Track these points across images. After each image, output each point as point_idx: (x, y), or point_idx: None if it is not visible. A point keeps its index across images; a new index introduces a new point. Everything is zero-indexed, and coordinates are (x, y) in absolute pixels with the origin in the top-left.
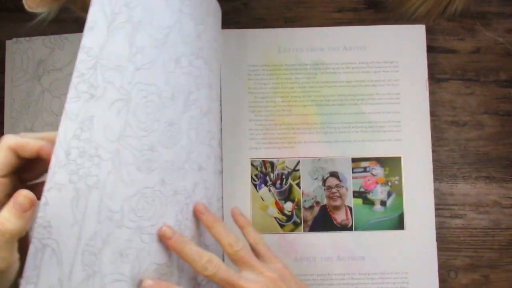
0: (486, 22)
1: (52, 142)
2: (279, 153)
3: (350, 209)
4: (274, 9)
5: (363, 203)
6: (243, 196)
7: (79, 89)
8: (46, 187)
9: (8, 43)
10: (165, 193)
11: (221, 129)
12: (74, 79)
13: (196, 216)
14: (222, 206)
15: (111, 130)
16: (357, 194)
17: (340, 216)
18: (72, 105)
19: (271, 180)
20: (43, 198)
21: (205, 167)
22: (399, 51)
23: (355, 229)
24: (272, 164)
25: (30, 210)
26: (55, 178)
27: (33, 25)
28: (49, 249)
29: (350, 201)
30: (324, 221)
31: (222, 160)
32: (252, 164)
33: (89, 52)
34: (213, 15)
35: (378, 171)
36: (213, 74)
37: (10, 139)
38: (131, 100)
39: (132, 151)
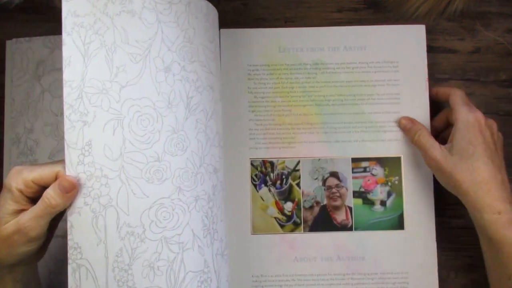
0: (486, 22)
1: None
2: (279, 153)
3: (350, 209)
4: (274, 9)
5: (363, 203)
6: (243, 196)
7: (72, 119)
8: (68, 212)
9: (8, 43)
10: (185, 200)
11: (222, 128)
12: (66, 111)
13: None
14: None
15: (111, 149)
16: (357, 194)
17: (340, 216)
18: (70, 135)
19: (271, 180)
20: (68, 223)
21: (220, 169)
22: (399, 51)
23: (355, 229)
24: (272, 164)
25: (71, 192)
26: (73, 203)
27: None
28: (83, 268)
29: (350, 201)
30: (324, 221)
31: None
32: (252, 164)
33: (72, 84)
34: (204, 16)
35: (378, 171)
36: (212, 75)
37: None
38: (124, 117)
39: (137, 165)
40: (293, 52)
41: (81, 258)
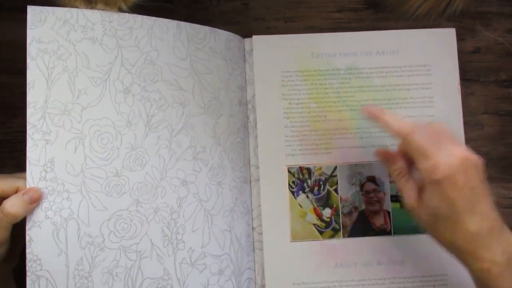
0: (486, 22)
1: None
2: (316, 159)
3: (389, 213)
4: (274, 9)
5: (401, 207)
6: (281, 204)
7: (35, 138)
8: (27, 226)
9: None
10: (143, 212)
11: (257, 136)
12: (29, 130)
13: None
14: (260, 215)
15: (72, 166)
16: (394, 198)
17: (378, 221)
18: (32, 153)
19: (308, 187)
20: (27, 236)
21: (193, 181)
22: (431, 54)
23: (394, 233)
24: (309, 171)
25: (35, 203)
26: (33, 217)
27: None
28: (43, 279)
29: (388, 205)
30: (363, 226)
31: (258, 167)
32: (289, 171)
33: (36, 105)
34: (172, 36)
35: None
36: (184, 91)
37: None
38: (85, 136)
39: (97, 180)
40: (326, 57)
41: (41, 270)
